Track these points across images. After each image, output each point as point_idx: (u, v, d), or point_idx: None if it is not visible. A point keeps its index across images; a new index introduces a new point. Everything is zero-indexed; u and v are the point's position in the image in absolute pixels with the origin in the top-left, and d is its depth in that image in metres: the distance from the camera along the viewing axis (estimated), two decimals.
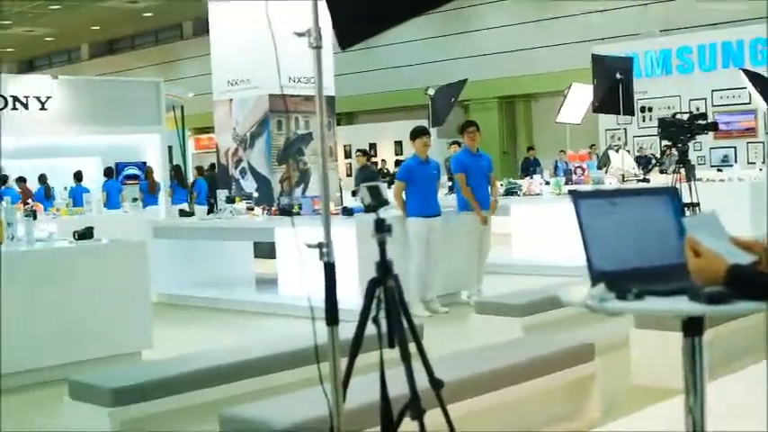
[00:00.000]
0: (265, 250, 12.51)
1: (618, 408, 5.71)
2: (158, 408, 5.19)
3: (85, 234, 8.18)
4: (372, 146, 26.73)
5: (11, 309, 7.36)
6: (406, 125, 14.53)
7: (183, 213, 12.98)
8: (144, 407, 5.14)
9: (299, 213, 10.68)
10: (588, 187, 12.63)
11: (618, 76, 16.60)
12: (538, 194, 13.64)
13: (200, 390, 5.33)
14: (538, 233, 12.95)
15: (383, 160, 26.74)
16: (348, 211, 9.97)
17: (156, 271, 10.62)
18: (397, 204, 9.82)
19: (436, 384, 3.72)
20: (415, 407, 3.55)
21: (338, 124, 19.78)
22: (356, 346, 3.63)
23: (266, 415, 4.22)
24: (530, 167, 22.23)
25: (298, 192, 15.53)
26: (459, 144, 16.00)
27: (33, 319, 7.50)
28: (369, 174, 15.48)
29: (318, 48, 3.52)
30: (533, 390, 5.28)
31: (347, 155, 26.79)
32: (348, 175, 25.06)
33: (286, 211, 11.01)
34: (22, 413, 6.72)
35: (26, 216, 8.39)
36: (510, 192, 13.81)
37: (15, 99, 18.39)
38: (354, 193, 16.46)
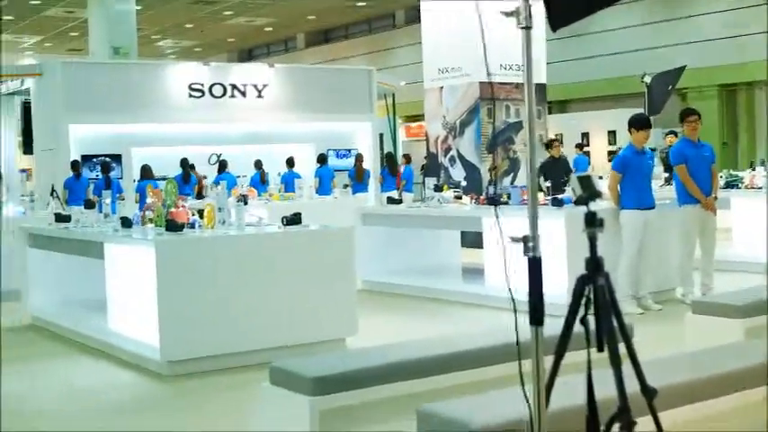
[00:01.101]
0: (473, 240, 12.35)
1: None
2: (358, 399, 5.11)
3: (294, 220, 8.26)
4: (585, 135, 26.05)
5: (218, 292, 7.52)
6: (620, 114, 14.00)
7: (390, 201, 13.01)
8: (344, 396, 5.07)
9: (507, 203, 10.46)
10: None
11: None
12: (760, 188, 12.85)
13: (402, 382, 5.21)
14: (760, 228, 12.17)
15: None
16: (558, 202, 9.64)
17: (363, 258, 10.65)
18: (612, 196, 9.43)
19: (649, 393, 3.44)
20: (624, 417, 3.28)
21: (550, 113, 19.34)
22: (562, 347, 3.40)
23: (464, 414, 4.04)
24: None
25: (506, 181, 15.29)
26: (675, 134, 15.29)
27: (239, 303, 7.62)
28: (554, 165, 14.57)
29: (527, 28, 3.31)
30: (754, 399, 4.88)
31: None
32: None
33: (494, 201, 10.81)
34: (224, 395, 6.84)
35: (237, 202, 8.55)
36: (730, 184, 13.12)
37: (234, 87, 19.04)
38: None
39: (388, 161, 19.08)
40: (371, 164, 19.74)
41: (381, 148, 22.12)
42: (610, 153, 22.96)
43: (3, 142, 21.95)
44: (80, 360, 8.35)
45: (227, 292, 7.57)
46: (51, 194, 13.82)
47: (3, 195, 14.35)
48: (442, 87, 15.98)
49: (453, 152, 15.87)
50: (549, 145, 15.20)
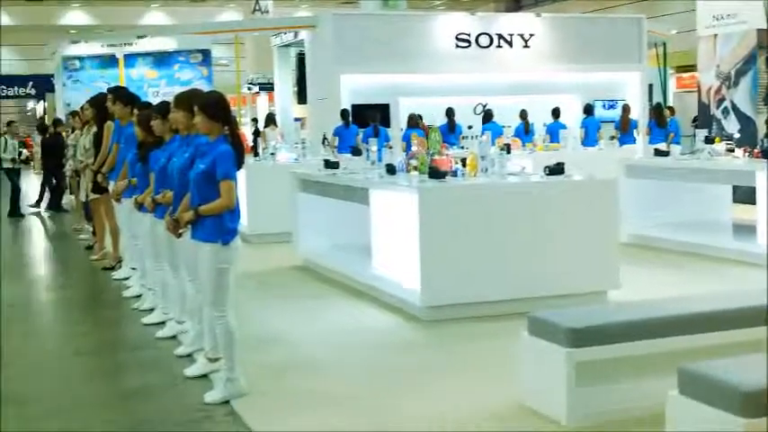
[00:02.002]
0: (745, 195, 11.75)
1: None
2: (616, 353, 5.02)
3: (557, 169, 8.16)
4: None
5: (479, 240, 7.57)
6: None
7: (658, 153, 12.58)
8: (601, 350, 5.00)
9: None
10: None
11: None
12: None
13: (662, 338, 5.06)
14: None
15: None
16: None
17: (627, 210, 10.39)
18: None
19: None
20: None
21: None
22: None
23: (730, 374, 3.87)
24: None
25: None
26: None
27: (500, 252, 7.65)
28: None
29: None
30: None
31: None
32: None
33: None
34: (481, 343, 6.90)
35: (500, 151, 8.53)
36: None
37: (500, 37, 18.95)
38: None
39: (656, 112, 18.43)
40: (639, 115, 19.14)
41: (650, 99, 21.39)
42: None
43: (279, 92, 23.03)
44: (344, 301, 8.68)
45: (488, 240, 7.62)
46: (322, 142, 14.35)
47: (274, 141, 15.02)
48: (716, 35, 15.23)
49: (727, 103, 15.15)
50: None
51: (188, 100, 6.18)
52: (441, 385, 5.90)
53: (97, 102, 10.86)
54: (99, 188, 10.31)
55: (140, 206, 7.52)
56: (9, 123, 20.65)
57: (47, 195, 19.46)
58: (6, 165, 18.33)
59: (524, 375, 5.38)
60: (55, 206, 19.00)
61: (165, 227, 6.13)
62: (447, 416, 5.25)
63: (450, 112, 17.13)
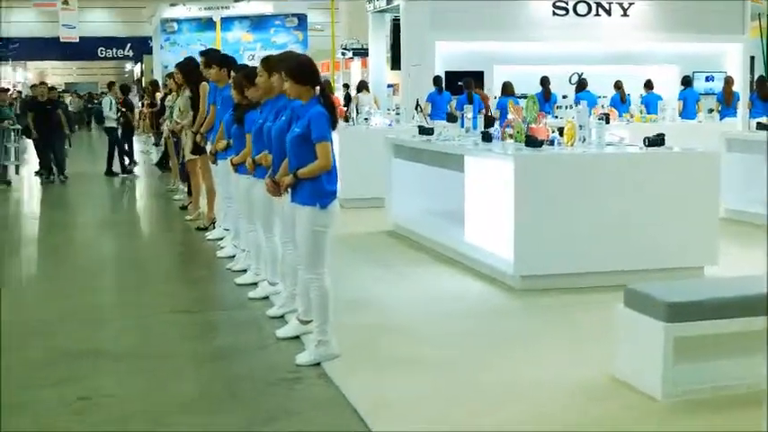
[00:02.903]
0: None
1: None
2: (714, 329, 4.92)
3: (656, 141, 7.98)
4: None
5: (575, 210, 7.47)
6: None
7: (760, 127, 12.21)
8: (700, 326, 4.90)
9: None
10: None
11: None
12: None
13: (760, 317, 4.92)
14: None
15: None
16: None
17: (727, 185, 10.12)
18: None
19: None
20: None
21: None
22: None
23: None
24: None
25: None
26: None
27: (596, 223, 7.52)
28: None
29: None
30: None
31: None
32: None
33: None
34: (575, 314, 6.81)
35: (599, 120, 8.38)
36: None
37: (599, 5, 18.63)
38: None
39: (759, 85, 17.89)
40: (740, 88, 18.62)
41: (752, 72, 20.80)
42: None
43: (373, 58, 23.02)
44: (435, 268, 8.65)
45: (584, 211, 7.50)
46: (416, 108, 14.30)
47: (368, 106, 15.01)
48: None
49: None
50: None
51: (273, 65, 6.20)
52: (532, 355, 5.85)
53: (184, 66, 11.01)
54: (198, 149, 10.44)
55: (236, 167, 7.59)
56: (110, 84, 21.02)
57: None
58: (111, 124, 18.73)
59: (619, 349, 5.30)
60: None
61: (264, 188, 6.17)
62: (537, 386, 5.21)
63: (544, 81, 16.93)
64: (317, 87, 5.74)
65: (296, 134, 5.69)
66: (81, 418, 4.91)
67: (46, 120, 17.26)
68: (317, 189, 5.61)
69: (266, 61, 6.64)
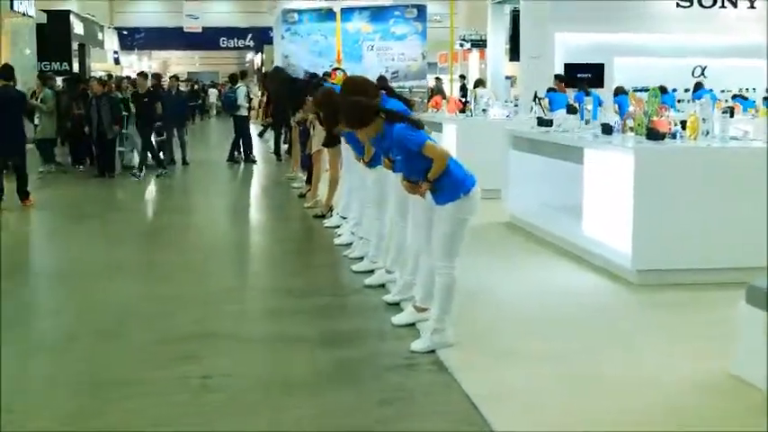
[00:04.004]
0: None
1: None
2: None
3: None
4: None
5: (697, 204, 7.33)
6: None
7: None
8: None
9: None
10: None
11: None
12: None
13: None
14: None
15: None
16: None
17: None
18: None
19: None
20: None
21: None
22: None
23: None
24: None
25: None
26: None
27: (718, 218, 7.36)
28: None
29: None
30: None
31: None
32: None
33: None
34: (695, 311, 6.69)
35: (723, 113, 8.19)
36: None
37: None
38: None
39: None
40: None
41: None
42: None
43: (491, 49, 22.94)
44: (550, 260, 8.61)
45: (706, 206, 7.35)
46: (534, 100, 14.20)
47: (486, 97, 14.96)
48: None
49: None
50: None
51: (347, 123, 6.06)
52: (648, 350, 5.77)
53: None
54: (332, 139, 10.51)
55: (368, 163, 7.65)
56: (242, 74, 21.31)
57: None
58: (242, 113, 19.08)
59: (739, 346, 5.19)
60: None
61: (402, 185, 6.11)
62: (651, 382, 5.14)
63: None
64: (381, 114, 5.75)
65: (400, 160, 5.78)
66: (202, 397, 5.05)
67: (145, 111, 16.65)
68: (453, 183, 5.62)
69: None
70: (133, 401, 4.97)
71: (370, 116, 5.74)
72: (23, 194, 12.73)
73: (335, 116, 6.46)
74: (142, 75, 18.02)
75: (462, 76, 30.78)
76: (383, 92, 6.86)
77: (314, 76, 11.86)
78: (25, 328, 6.60)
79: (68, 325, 6.65)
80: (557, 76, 16.49)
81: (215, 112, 44.28)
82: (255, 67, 47.97)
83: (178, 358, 5.69)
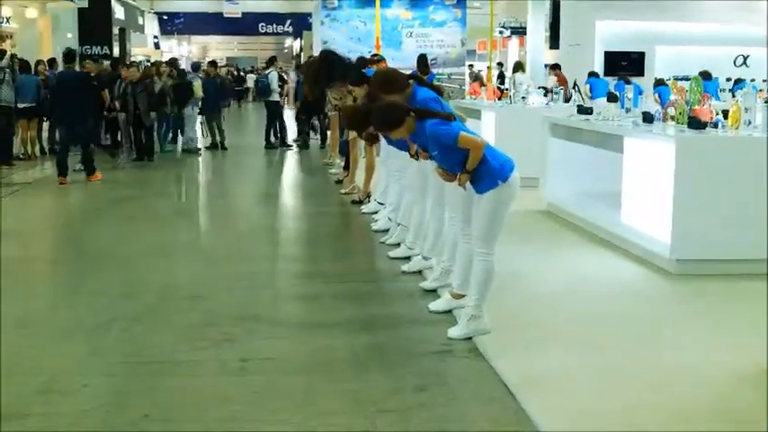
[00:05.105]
0: None
1: None
2: None
3: None
4: None
5: (737, 195, 7.27)
6: None
7: None
8: None
9: None
10: None
11: None
12: None
13: None
14: None
15: None
16: None
17: None
18: None
19: None
20: None
21: None
22: None
23: None
24: None
25: None
26: None
27: (759, 209, 7.28)
28: None
29: None
30: None
31: None
32: None
33: None
34: (733, 302, 6.64)
35: (765, 103, 8.11)
36: None
37: None
38: None
39: None
40: None
41: None
42: None
43: (531, 37, 22.84)
44: (589, 248, 8.58)
45: (747, 196, 7.29)
46: (573, 87, 14.15)
47: (526, 84, 14.92)
48: None
49: None
50: None
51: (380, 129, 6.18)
52: (684, 340, 5.74)
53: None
54: (370, 137, 10.51)
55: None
56: (272, 59, 21.38)
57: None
58: (274, 98, 19.18)
59: None
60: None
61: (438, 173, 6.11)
62: (684, 372, 5.12)
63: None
64: (411, 112, 5.78)
65: (435, 155, 5.80)
66: (242, 379, 5.10)
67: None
68: (491, 170, 5.60)
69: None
70: (175, 381, 5.03)
71: (400, 119, 5.76)
72: (90, 170, 13.63)
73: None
74: (156, 64, 18.86)
75: (500, 64, 30.67)
76: (414, 81, 6.82)
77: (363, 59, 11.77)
78: (68, 310, 6.70)
79: (109, 306, 6.73)
80: (553, 66, 16.39)
81: (251, 97, 44.43)
82: (294, 53, 48.07)
83: (217, 340, 5.74)
